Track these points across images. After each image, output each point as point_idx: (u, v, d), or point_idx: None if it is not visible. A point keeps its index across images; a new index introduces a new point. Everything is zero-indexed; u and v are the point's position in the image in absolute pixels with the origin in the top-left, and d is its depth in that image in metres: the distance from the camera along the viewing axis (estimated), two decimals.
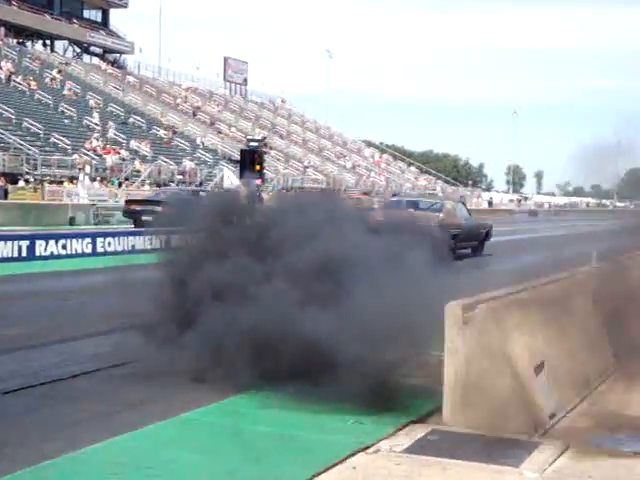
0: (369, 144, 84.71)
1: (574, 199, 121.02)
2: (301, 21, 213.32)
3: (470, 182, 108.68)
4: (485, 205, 73.39)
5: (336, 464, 5.18)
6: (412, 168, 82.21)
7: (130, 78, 63.97)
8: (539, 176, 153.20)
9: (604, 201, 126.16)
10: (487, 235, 22.83)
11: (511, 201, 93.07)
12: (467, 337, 6.12)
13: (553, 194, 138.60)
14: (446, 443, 5.69)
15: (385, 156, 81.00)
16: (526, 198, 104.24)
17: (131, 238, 20.61)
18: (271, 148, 58.70)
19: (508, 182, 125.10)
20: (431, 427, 6.02)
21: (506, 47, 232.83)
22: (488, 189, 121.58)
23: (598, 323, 8.68)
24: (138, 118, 54.58)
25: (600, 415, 6.63)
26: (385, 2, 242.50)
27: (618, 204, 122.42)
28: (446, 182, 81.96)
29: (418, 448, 5.53)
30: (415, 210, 19.91)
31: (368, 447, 5.50)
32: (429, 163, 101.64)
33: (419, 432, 5.87)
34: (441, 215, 20.50)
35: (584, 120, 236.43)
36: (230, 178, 35.38)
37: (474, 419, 6.04)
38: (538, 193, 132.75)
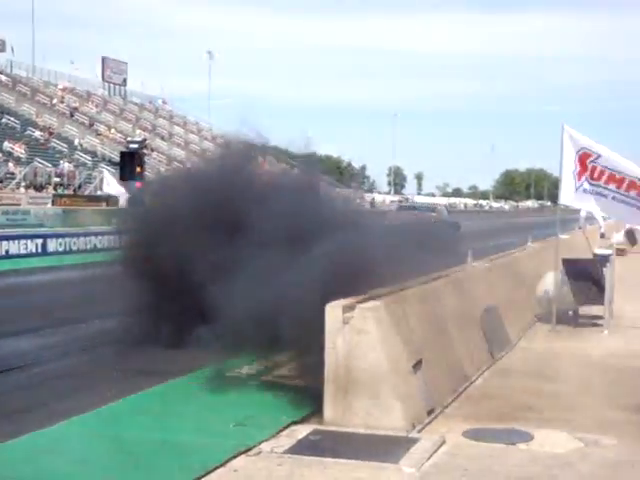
0: None
1: (453, 200, 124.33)
2: (181, 22, 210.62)
3: (354, 184, 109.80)
4: (367, 206, 74.42)
5: (217, 467, 5.15)
6: (296, 170, 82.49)
7: (2, 77, 61.64)
8: (419, 178, 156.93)
9: (481, 201, 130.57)
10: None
11: (392, 202, 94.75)
12: (347, 337, 6.20)
13: (433, 195, 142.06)
14: (327, 442, 5.74)
15: (269, 157, 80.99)
16: (407, 199, 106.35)
17: (4, 243, 19.85)
18: (152, 150, 57.72)
19: (389, 183, 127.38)
20: (313, 427, 6.06)
21: (387, 50, 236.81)
22: (371, 190, 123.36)
23: (474, 320, 8.96)
24: (11, 118, 52.58)
25: (476, 409, 6.83)
26: (266, 5, 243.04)
27: (494, 204, 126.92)
28: (330, 184, 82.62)
29: (299, 448, 5.55)
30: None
31: (249, 449, 5.49)
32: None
33: (301, 432, 5.91)
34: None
35: (462, 123, 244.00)
36: (110, 182, 34.50)
37: (354, 417, 6.13)
38: (419, 194, 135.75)
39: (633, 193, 10.09)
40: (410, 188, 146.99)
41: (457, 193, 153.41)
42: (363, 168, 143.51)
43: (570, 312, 12.15)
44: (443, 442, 5.83)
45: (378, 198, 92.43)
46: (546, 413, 6.68)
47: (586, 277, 11.73)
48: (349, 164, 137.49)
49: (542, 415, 6.62)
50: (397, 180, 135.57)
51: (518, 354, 9.43)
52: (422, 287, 8.00)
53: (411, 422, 6.16)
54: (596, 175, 10.23)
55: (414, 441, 5.78)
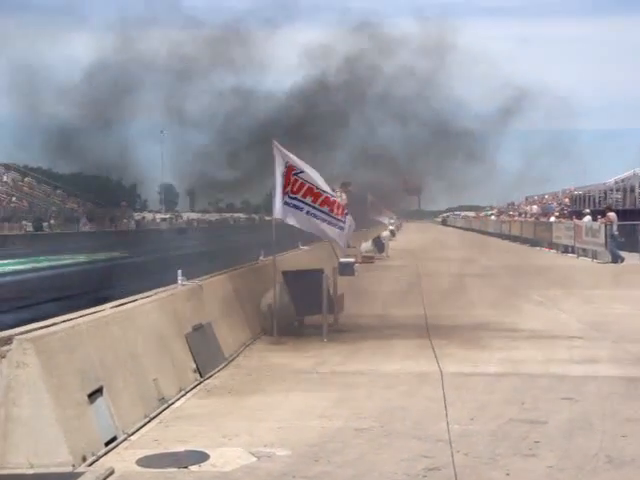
0: (8, 168, 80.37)
1: (226, 215, 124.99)
2: None
3: (124, 203, 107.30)
4: (133, 226, 73.38)
5: None
6: (58, 192, 79.46)
7: None
8: (192, 194, 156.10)
9: (253, 215, 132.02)
10: None
11: (163, 220, 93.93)
12: (4, 372, 5.80)
13: (207, 211, 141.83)
14: None
15: (27, 180, 77.48)
16: (178, 216, 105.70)
17: None
18: None
19: (161, 201, 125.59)
20: None
21: None
22: (142, 209, 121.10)
23: (180, 339, 8.80)
24: None
25: (164, 433, 6.66)
26: None
27: (267, 218, 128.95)
28: (95, 204, 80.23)
29: None
30: None
31: None
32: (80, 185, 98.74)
33: None
34: None
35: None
36: None
37: (17, 458, 5.73)
38: (192, 211, 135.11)
39: (326, 208, 10.57)
40: (183, 205, 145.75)
41: (231, 208, 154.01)
42: (133, 187, 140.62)
43: (295, 323, 12.36)
44: (111, 473, 5.60)
45: (148, 216, 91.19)
46: (228, 431, 6.62)
47: (306, 288, 11.97)
48: (118, 183, 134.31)
49: (225, 433, 6.56)
50: (170, 197, 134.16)
51: (230, 371, 9.38)
52: (118, 309, 7.74)
53: (82, 455, 5.86)
54: (296, 188, 10.56)
55: (78, 476, 5.49)
